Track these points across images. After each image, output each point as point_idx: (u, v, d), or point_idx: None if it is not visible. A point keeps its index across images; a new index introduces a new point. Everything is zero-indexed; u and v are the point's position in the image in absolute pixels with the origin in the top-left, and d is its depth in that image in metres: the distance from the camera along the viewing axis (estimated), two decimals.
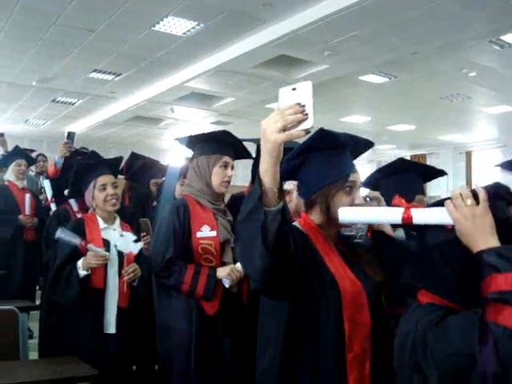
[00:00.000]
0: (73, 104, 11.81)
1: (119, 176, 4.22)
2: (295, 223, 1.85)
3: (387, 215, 1.52)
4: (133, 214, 4.08)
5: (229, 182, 2.86)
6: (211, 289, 2.63)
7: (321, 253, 1.75)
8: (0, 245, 5.09)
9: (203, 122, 12.90)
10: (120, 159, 3.53)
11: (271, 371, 1.70)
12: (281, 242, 1.41)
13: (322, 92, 10.26)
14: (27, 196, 4.87)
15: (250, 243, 1.43)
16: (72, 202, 3.12)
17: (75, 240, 2.88)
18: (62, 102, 11.65)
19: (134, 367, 3.34)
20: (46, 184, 3.93)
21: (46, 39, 7.70)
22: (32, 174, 6.30)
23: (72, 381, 2.21)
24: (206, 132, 2.93)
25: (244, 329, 2.65)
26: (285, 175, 1.84)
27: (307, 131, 1.31)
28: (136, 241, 3.03)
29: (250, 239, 1.42)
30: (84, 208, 3.40)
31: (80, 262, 2.83)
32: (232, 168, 2.89)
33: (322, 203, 1.79)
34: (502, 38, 7.36)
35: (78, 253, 2.88)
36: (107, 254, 2.87)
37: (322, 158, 1.81)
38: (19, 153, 5.47)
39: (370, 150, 2.73)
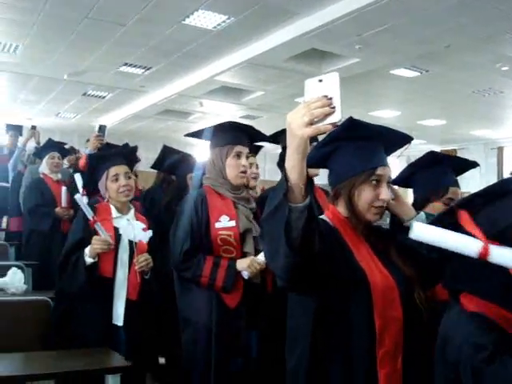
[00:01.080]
0: (103, 97, 11.92)
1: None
2: (323, 216, 1.83)
3: (463, 245, 1.25)
4: (167, 206, 4.09)
5: (245, 172, 2.78)
6: (231, 281, 2.59)
7: (350, 247, 1.72)
8: (39, 237, 5.18)
9: (232, 115, 12.91)
10: (135, 149, 3.49)
11: (300, 370, 1.67)
12: (307, 239, 1.38)
13: (352, 85, 10.17)
14: (63, 189, 4.92)
15: (275, 241, 1.40)
16: (77, 197, 3.11)
17: (89, 212, 2.88)
18: (92, 96, 11.76)
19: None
20: (77, 177, 3.96)
21: (77, 33, 7.76)
22: (65, 166, 6.37)
23: (105, 372, 2.21)
24: (218, 123, 2.85)
25: (270, 320, 2.61)
26: (314, 162, 1.82)
27: (335, 125, 1.27)
28: (145, 229, 2.99)
29: (275, 237, 1.39)
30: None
31: (87, 249, 2.82)
32: (248, 157, 2.83)
33: (346, 195, 1.75)
34: None
35: (85, 241, 2.86)
36: (109, 239, 2.84)
37: (351, 148, 1.76)
38: (52, 145, 5.53)
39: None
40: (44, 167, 5.34)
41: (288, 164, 1.34)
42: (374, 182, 1.73)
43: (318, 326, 1.65)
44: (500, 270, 1.21)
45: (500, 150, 16.23)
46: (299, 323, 1.72)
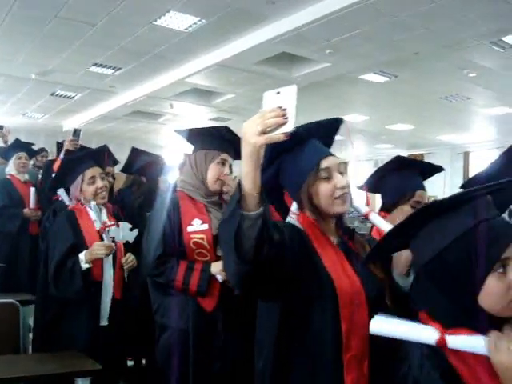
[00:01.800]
0: (72, 98, 11.76)
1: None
2: (292, 220, 1.83)
3: (420, 335, 1.31)
4: (139, 208, 4.08)
5: (224, 180, 2.77)
6: (205, 285, 2.58)
7: (318, 250, 1.72)
8: (6, 238, 5.09)
9: (202, 118, 12.87)
10: (104, 149, 3.47)
11: (266, 372, 1.68)
12: (258, 248, 1.38)
13: (322, 90, 10.26)
14: (32, 189, 4.85)
15: (227, 247, 1.41)
16: (61, 192, 3.07)
17: (99, 219, 2.90)
18: (61, 96, 11.59)
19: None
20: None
21: (46, 32, 7.65)
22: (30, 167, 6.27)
23: (75, 375, 2.19)
24: (207, 126, 2.87)
25: (248, 322, 2.62)
26: (269, 186, 1.83)
27: (286, 135, 1.30)
28: (131, 229, 3.00)
29: (227, 243, 1.40)
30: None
31: (82, 255, 2.81)
32: (230, 167, 2.82)
33: (306, 201, 1.76)
34: (504, 39, 7.35)
35: (76, 247, 2.85)
36: (112, 244, 2.86)
37: (290, 157, 1.80)
38: (20, 146, 5.44)
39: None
40: (11, 168, 5.26)
41: (242, 172, 1.37)
42: (324, 176, 1.74)
43: (283, 330, 1.65)
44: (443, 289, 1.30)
45: (466, 154, 16.52)
46: (266, 325, 1.72)
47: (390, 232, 1.43)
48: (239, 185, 1.36)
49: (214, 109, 12.00)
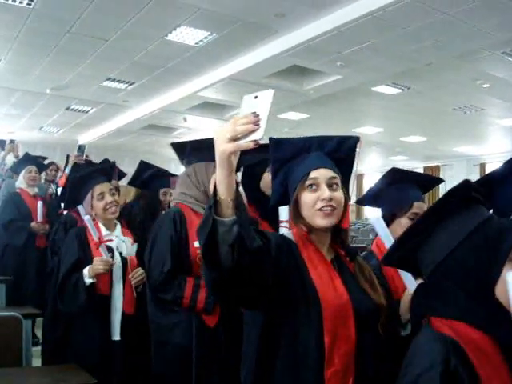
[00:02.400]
0: (86, 112, 11.90)
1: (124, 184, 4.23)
2: (288, 233, 1.81)
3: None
4: (142, 221, 4.08)
5: None
6: (212, 302, 2.54)
7: (306, 262, 1.69)
8: (13, 252, 5.12)
9: None
10: (113, 164, 3.49)
11: (248, 381, 1.65)
12: (235, 254, 1.35)
13: (334, 103, 10.27)
14: (39, 203, 4.87)
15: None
16: (80, 208, 3.10)
17: (95, 233, 2.89)
18: (75, 110, 11.74)
19: None
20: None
21: (60, 47, 7.77)
22: (42, 181, 6.32)
23: None
24: (204, 138, 2.85)
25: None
26: (279, 195, 1.84)
27: (256, 143, 1.26)
28: (132, 243, 3.02)
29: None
30: None
31: (86, 270, 2.81)
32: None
33: (294, 209, 1.75)
34: None
35: (82, 261, 2.86)
36: (110, 259, 2.86)
37: (291, 167, 1.79)
38: (30, 159, 5.48)
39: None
40: (21, 181, 5.30)
41: (216, 178, 1.34)
42: (311, 187, 1.72)
43: (266, 340, 1.62)
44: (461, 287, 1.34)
45: (482, 166, 16.40)
46: (250, 335, 1.70)
47: (399, 240, 1.51)
48: (214, 191, 1.34)
49: (227, 122, 12.04)
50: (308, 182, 1.72)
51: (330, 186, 1.74)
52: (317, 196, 1.70)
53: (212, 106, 10.82)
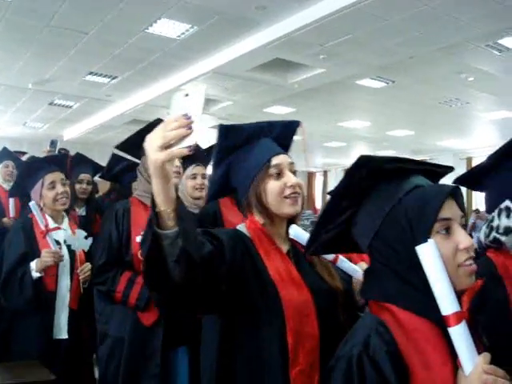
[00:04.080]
0: (70, 107, 11.79)
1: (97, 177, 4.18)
2: (240, 226, 1.75)
3: None
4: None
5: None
6: (144, 298, 2.50)
7: (263, 258, 1.62)
8: None
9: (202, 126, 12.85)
10: (66, 156, 3.40)
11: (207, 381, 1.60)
12: (184, 267, 1.26)
13: (319, 96, 10.23)
14: (10, 199, 4.79)
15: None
16: (31, 205, 2.99)
17: (41, 220, 2.80)
18: (59, 105, 11.62)
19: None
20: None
21: (40, 41, 7.66)
22: None
23: None
24: (139, 129, 2.76)
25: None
26: (220, 187, 1.80)
27: (190, 149, 1.14)
28: (86, 237, 2.92)
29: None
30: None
31: (33, 264, 2.72)
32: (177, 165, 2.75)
33: (255, 199, 1.68)
34: (500, 41, 7.29)
35: (28, 255, 2.77)
36: (59, 251, 2.77)
37: (240, 155, 1.72)
38: (7, 154, 5.41)
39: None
40: None
41: (153, 190, 1.23)
42: (275, 174, 1.67)
43: (226, 342, 1.57)
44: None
45: (469, 160, 16.43)
46: (209, 338, 1.64)
47: (319, 221, 1.40)
48: (153, 203, 1.24)
49: (212, 117, 11.98)
50: (273, 170, 1.67)
51: (291, 172, 1.70)
52: (283, 183, 1.66)
53: None
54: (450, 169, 2.00)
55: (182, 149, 1.15)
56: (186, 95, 1.18)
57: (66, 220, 3.06)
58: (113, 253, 2.58)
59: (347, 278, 1.83)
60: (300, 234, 1.74)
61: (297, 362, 1.52)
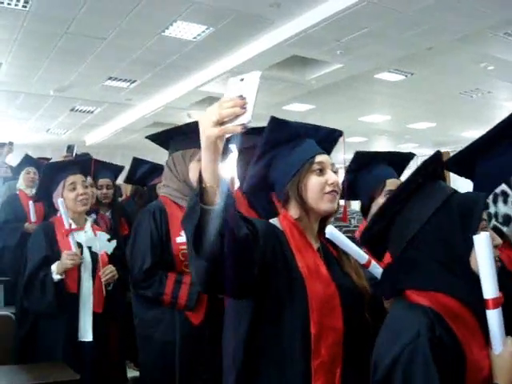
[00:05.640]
0: (91, 112, 11.94)
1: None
2: (273, 220, 1.77)
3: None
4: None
5: None
6: (194, 298, 2.48)
7: (293, 251, 1.65)
8: (11, 253, 5.13)
9: None
10: (89, 159, 3.42)
11: (231, 373, 1.61)
12: (222, 243, 1.31)
13: (339, 91, 10.20)
14: (30, 203, 4.86)
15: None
16: (60, 202, 3.01)
17: (67, 219, 2.83)
18: (80, 111, 11.79)
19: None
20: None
21: (59, 48, 7.78)
22: None
23: None
24: (177, 125, 2.77)
25: None
26: (259, 180, 1.82)
27: (243, 126, 1.20)
28: (109, 240, 2.94)
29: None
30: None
31: (54, 267, 2.74)
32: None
33: (294, 193, 1.71)
34: None
35: (50, 259, 2.78)
36: (79, 253, 2.77)
37: (285, 150, 1.76)
38: (28, 161, 5.50)
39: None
40: (20, 183, 5.32)
41: (202, 164, 1.29)
42: (317, 171, 1.71)
43: (252, 332, 1.59)
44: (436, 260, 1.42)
45: None
46: (234, 325, 1.65)
47: (374, 218, 1.60)
48: (200, 178, 1.29)
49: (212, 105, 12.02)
50: (316, 166, 1.72)
51: (334, 172, 1.76)
52: (324, 180, 1.71)
53: (215, 100, 10.47)
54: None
55: (235, 126, 1.21)
56: (242, 80, 1.26)
57: (89, 222, 3.08)
58: (157, 254, 2.53)
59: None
60: (336, 234, 1.75)
61: (318, 354, 1.55)
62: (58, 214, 3.00)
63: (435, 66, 8.78)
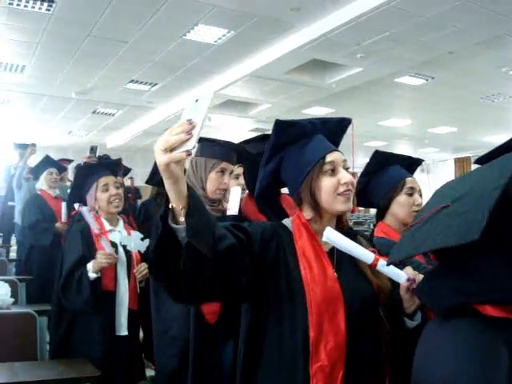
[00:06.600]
0: (113, 115, 12.06)
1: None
2: (286, 221, 1.77)
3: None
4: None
5: (225, 189, 2.66)
6: None
7: (298, 252, 1.65)
8: (39, 252, 5.23)
9: (241, 129, 12.96)
10: (119, 161, 3.51)
11: (238, 367, 1.65)
12: (189, 261, 1.35)
13: (358, 95, 10.19)
14: (63, 204, 4.95)
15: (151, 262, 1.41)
16: (84, 210, 3.08)
17: (94, 224, 2.90)
18: (102, 113, 11.92)
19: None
20: None
21: (81, 51, 7.88)
22: (68, 183, 6.47)
23: (73, 381, 2.23)
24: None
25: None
26: (268, 183, 1.79)
27: (188, 153, 1.20)
28: (143, 239, 3.01)
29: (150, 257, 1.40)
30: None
31: (90, 265, 2.84)
32: (231, 173, 2.72)
33: (307, 195, 1.68)
34: None
35: (87, 257, 2.88)
36: (114, 253, 2.86)
37: (294, 150, 1.73)
38: (50, 162, 5.59)
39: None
40: (42, 183, 5.41)
41: (165, 185, 1.30)
42: (329, 171, 1.67)
43: (252, 333, 1.61)
44: None
45: None
46: (243, 322, 1.68)
47: None
48: (166, 199, 1.32)
49: (251, 120, 12.07)
50: (327, 166, 1.68)
51: (345, 169, 1.71)
52: (337, 180, 1.67)
53: (235, 103, 10.84)
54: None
55: (180, 153, 1.21)
56: (196, 100, 1.25)
57: (121, 222, 3.18)
58: None
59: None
60: (334, 237, 1.58)
61: (318, 358, 1.53)
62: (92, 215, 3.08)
63: (456, 70, 8.74)
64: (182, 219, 1.30)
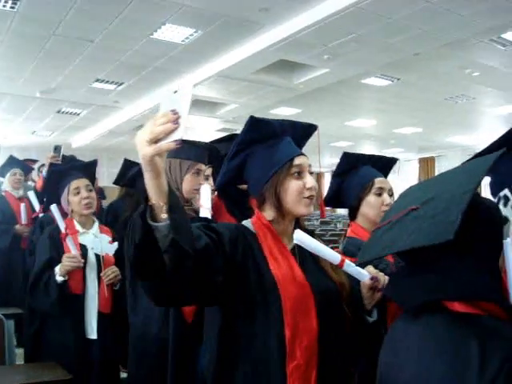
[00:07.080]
0: (78, 114, 11.89)
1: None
2: (246, 222, 1.76)
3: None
4: (126, 221, 4.06)
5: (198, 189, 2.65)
6: None
7: (265, 253, 1.64)
8: (0, 254, 5.12)
9: (209, 129, 12.92)
10: (94, 162, 3.48)
11: (209, 372, 1.62)
12: (174, 259, 1.30)
13: (325, 96, 10.27)
14: (22, 205, 4.87)
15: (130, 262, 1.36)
16: (53, 208, 3.05)
17: (62, 224, 2.86)
18: (67, 113, 11.74)
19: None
20: (31, 195, 3.94)
21: (46, 50, 7.74)
22: (32, 184, 6.33)
23: None
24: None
25: None
26: (228, 178, 1.79)
27: (177, 143, 1.17)
28: (112, 241, 2.99)
29: (129, 257, 1.34)
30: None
31: (57, 268, 2.81)
32: (208, 175, 2.74)
33: (272, 195, 1.68)
34: (503, 36, 7.28)
35: (55, 260, 2.85)
36: (78, 256, 2.82)
37: (262, 150, 1.73)
38: (14, 162, 5.49)
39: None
40: (6, 184, 5.31)
41: (145, 182, 1.27)
42: (296, 174, 1.68)
43: (224, 337, 1.59)
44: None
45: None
46: (209, 332, 1.66)
47: None
48: (146, 196, 1.28)
49: (219, 120, 12.04)
50: (294, 169, 1.69)
51: (309, 173, 1.73)
52: (302, 184, 1.68)
53: (203, 103, 10.80)
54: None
55: (169, 143, 1.18)
56: (175, 92, 1.22)
57: (96, 224, 3.13)
58: None
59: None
60: (304, 239, 1.62)
61: (294, 357, 1.53)
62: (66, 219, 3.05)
63: (421, 71, 8.88)
64: (163, 216, 1.26)
